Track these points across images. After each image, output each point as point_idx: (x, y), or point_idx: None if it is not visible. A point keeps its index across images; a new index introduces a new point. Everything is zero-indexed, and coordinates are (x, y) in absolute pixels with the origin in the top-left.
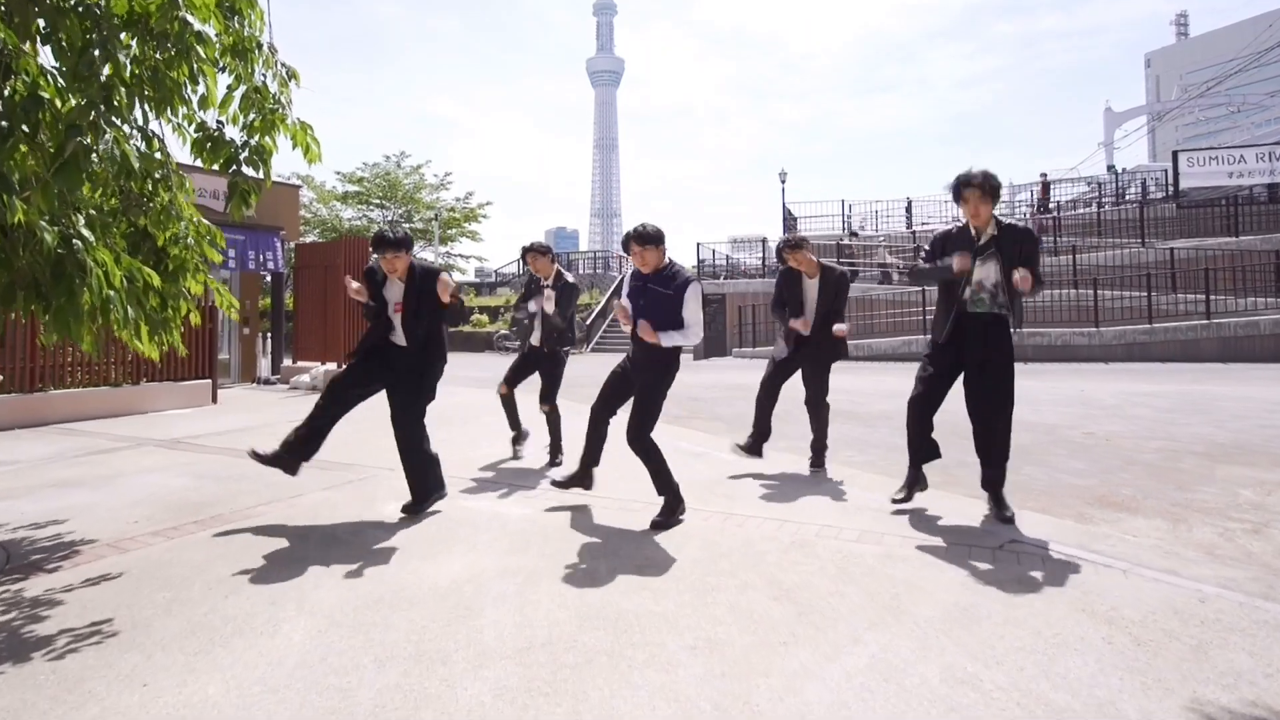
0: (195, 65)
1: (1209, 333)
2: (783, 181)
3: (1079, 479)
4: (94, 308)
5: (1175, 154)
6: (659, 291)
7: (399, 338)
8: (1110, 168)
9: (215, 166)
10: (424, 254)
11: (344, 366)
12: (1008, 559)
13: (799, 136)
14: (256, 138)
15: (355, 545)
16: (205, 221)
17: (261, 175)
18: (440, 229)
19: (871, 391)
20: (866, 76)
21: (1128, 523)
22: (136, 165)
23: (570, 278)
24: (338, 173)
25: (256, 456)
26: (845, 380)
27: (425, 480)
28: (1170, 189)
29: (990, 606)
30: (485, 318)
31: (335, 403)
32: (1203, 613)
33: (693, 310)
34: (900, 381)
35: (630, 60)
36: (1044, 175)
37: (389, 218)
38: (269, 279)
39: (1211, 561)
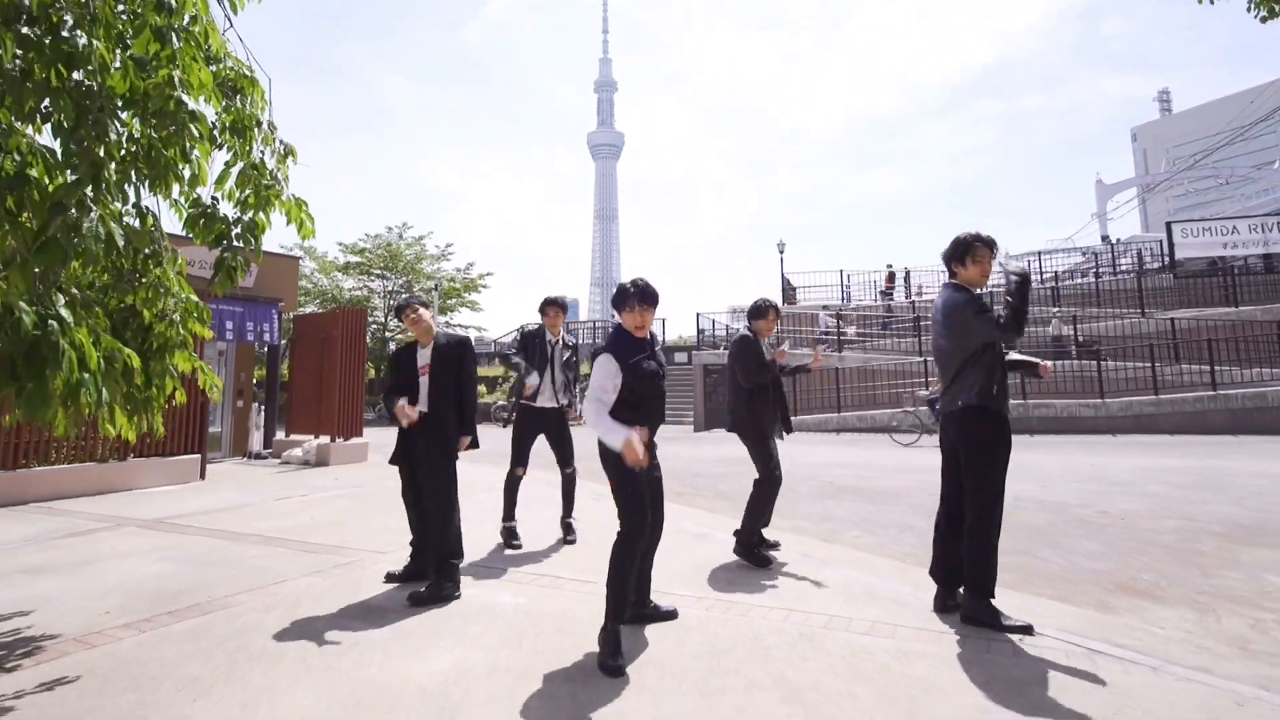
0: (188, 143)
1: (1217, 404)
2: (781, 251)
3: (1097, 562)
4: (65, 392)
5: (1169, 225)
6: (659, 363)
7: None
8: (1105, 238)
9: (207, 243)
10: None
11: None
12: (1029, 655)
13: (798, 206)
14: (251, 214)
15: (337, 639)
16: (194, 298)
17: (253, 249)
18: (440, 299)
19: (880, 465)
20: (861, 150)
21: (1152, 612)
22: (122, 243)
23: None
24: (340, 244)
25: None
26: (849, 454)
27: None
28: (1166, 259)
29: (1012, 713)
30: (483, 388)
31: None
32: (1241, 718)
33: None
34: (907, 455)
35: (630, 134)
36: (890, 266)
37: (389, 288)
38: (265, 349)
39: (1245, 657)
